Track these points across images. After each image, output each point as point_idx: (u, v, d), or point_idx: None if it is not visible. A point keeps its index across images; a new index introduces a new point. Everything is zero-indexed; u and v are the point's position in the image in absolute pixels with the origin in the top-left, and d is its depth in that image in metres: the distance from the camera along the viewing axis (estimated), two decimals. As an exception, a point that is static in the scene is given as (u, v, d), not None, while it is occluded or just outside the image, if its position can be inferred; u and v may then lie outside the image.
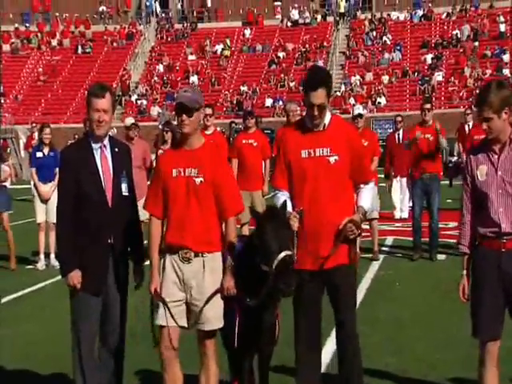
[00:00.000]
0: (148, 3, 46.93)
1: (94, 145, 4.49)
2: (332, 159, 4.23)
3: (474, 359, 4.50)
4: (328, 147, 4.24)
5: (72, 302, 4.46)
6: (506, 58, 37.59)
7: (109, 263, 4.42)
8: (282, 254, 3.98)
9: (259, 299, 4.11)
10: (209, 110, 9.79)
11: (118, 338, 4.53)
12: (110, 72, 42.77)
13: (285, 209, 4.18)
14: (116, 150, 4.54)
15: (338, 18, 43.48)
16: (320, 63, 41.03)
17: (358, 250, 4.39)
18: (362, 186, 4.38)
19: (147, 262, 4.49)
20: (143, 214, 11.41)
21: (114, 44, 45.40)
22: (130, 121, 11.05)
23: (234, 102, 39.04)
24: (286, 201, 4.23)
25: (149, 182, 10.65)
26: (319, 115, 4.21)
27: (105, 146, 4.50)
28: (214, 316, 4.25)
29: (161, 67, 43.24)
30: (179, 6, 47.41)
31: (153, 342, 4.35)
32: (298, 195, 4.27)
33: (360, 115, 11.22)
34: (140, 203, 10.80)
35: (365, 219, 4.44)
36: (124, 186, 4.51)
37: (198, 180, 4.25)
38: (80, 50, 45.09)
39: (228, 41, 43.20)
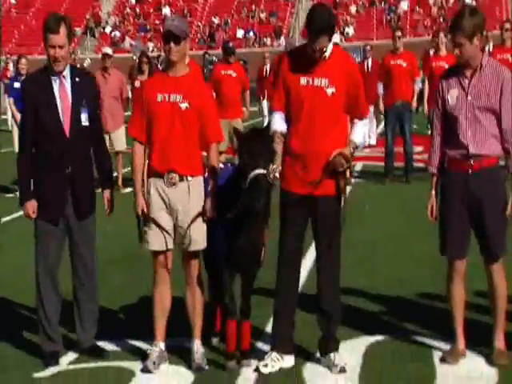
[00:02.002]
0: None
1: (52, 75, 4.35)
2: (329, 91, 4.15)
3: (441, 276, 4.56)
4: (326, 78, 4.15)
5: (34, 231, 4.44)
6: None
7: (67, 193, 4.35)
8: (255, 172, 3.98)
9: (233, 212, 4.12)
10: None
11: (88, 267, 4.49)
12: (82, 3, 41.50)
13: (267, 130, 4.18)
14: (77, 79, 4.39)
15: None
16: (289, -6, 40.20)
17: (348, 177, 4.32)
18: (356, 120, 4.33)
19: (127, 190, 4.43)
20: (121, 144, 11.16)
21: (86, -25, 43.87)
22: (103, 50, 10.78)
23: (207, 33, 38.29)
24: (269, 123, 4.22)
25: (127, 113, 10.51)
26: (319, 55, 4.13)
27: (64, 76, 4.36)
28: (198, 237, 4.29)
29: (133, -1, 42.04)
30: None
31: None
32: (294, 120, 4.24)
33: (336, 44, 11.02)
34: (116, 134, 10.54)
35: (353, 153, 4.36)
36: (84, 117, 4.37)
37: (183, 106, 4.22)
38: (52, -18, 43.51)
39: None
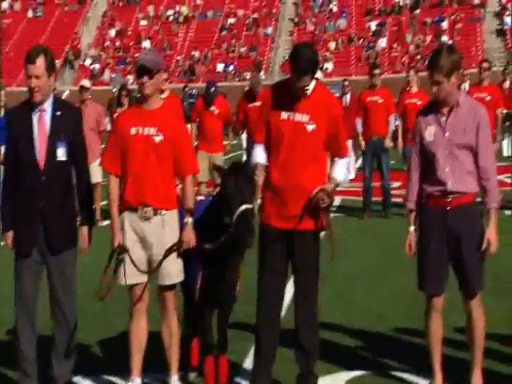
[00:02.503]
0: (99, -33, 45.56)
1: (34, 108, 4.35)
2: (309, 127, 4.19)
3: (418, 311, 4.59)
4: (308, 114, 4.20)
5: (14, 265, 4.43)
6: (444, 24, 38.02)
7: (38, 227, 4.31)
8: (242, 207, 4.00)
9: (216, 245, 4.12)
10: (164, 75, 9.63)
11: (66, 312, 4.41)
12: (61, 36, 41.62)
13: (249, 164, 4.23)
14: (58, 113, 4.36)
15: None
16: (270, 30, 40.77)
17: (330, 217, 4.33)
18: (337, 158, 4.38)
19: (105, 223, 4.42)
20: (98, 176, 11.11)
21: (66, 8, 44.14)
22: (81, 83, 10.83)
23: (187, 66, 38.58)
24: (246, 160, 4.24)
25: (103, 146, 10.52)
26: (302, 93, 4.19)
27: (44, 109, 4.34)
28: (174, 270, 4.26)
29: (113, 32, 42.28)
30: (130, -29, 46.16)
31: (99, 296, 4.30)
32: (274, 154, 4.28)
33: (316, 79, 11.13)
34: (93, 166, 10.55)
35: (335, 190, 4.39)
36: (60, 151, 4.33)
37: (157, 138, 4.21)
38: (31, 14, 43.69)
39: (185, 7, 42.46)
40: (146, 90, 4.21)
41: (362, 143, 10.49)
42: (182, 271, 4.29)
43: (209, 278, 4.25)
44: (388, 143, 10.39)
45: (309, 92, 4.21)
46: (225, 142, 10.47)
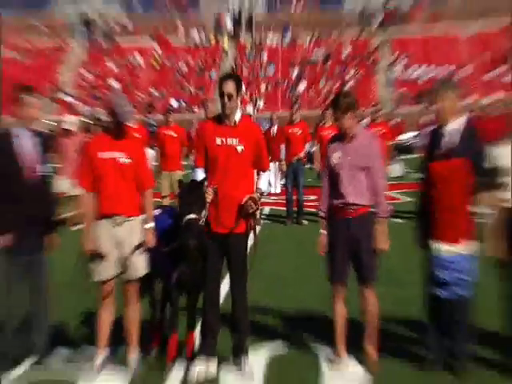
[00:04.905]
0: None
1: None
2: (239, 148, 4.31)
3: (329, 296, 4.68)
4: (237, 138, 4.32)
5: None
6: (349, 74, 39.18)
7: None
8: (188, 216, 4.06)
9: (169, 248, 4.20)
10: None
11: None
12: (42, 72, 40.51)
13: (203, 183, 4.31)
14: None
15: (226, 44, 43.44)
16: (214, 74, 40.96)
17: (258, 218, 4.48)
18: (261, 172, 4.52)
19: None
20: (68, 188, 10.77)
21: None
22: (65, 126, 10.55)
23: (147, 102, 38.28)
24: (205, 178, 4.36)
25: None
26: (229, 103, 4.25)
27: None
28: (140, 265, 4.37)
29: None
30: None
31: (85, 290, 4.32)
32: (212, 173, 4.36)
33: (250, 115, 11.31)
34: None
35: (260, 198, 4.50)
36: None
37: (126, 161, 4.33)
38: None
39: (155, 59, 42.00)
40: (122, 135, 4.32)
41: (284, 166, 10.70)
42: (145, 266, 4.37)
43: (181, 272, 4.33)
44: (300, 155, 10.68)
45: (237, 121, 4.36)
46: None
